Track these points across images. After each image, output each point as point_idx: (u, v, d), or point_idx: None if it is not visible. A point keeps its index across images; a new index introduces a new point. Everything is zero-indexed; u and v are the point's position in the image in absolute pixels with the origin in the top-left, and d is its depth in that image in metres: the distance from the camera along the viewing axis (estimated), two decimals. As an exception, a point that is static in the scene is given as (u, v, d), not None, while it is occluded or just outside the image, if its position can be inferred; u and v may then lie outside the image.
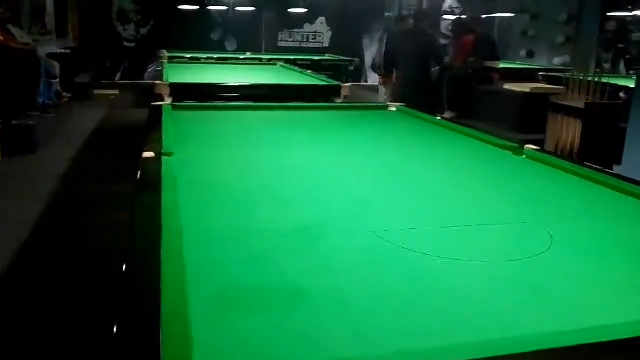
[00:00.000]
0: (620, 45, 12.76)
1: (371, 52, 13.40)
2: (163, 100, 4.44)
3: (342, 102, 4.75)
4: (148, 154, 2.34)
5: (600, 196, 2.15)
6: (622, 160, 4.39)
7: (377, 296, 1.24)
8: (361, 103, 4.39)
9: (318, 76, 6.29)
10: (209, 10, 12.60)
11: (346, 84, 5.68)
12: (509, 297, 1.26)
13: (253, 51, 10.79)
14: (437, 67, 6.50)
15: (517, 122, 5.47)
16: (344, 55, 10.57)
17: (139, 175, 2.07)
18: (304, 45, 13.67)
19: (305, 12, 12.76)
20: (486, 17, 9.89)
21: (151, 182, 1.96)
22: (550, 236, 1.64)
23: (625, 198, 2.09)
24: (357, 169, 2.52)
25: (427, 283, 1.32)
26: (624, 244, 1.65)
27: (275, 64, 8.30)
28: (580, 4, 12.77)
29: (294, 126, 3.60)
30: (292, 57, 8.99)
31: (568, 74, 5.71)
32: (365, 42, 13.85)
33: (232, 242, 1.52)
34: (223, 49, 12.11)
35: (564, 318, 1.16)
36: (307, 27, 13.79)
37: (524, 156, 2.77)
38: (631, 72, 12.34)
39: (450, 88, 6.57)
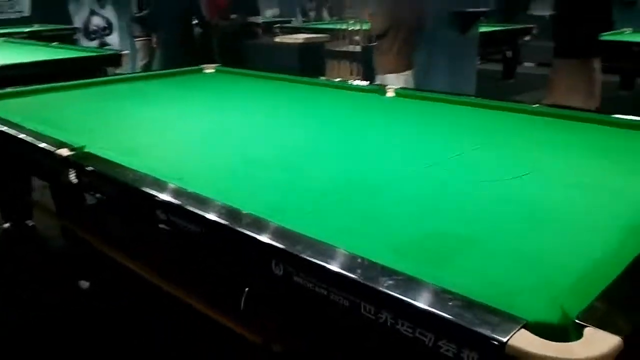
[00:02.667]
0: (321, -6, 14.14)
1: (82, 17, 12.26)
2: None
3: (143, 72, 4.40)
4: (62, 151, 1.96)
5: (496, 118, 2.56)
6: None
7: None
8: (175, 70, 4.13)
9: (78, 47, 5.64)
10: None
11: (125, 52, 5.27)
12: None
13: None
14: (199, 26, 6.40)
15: (296, 70, 5.79)
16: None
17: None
18: (-1, 16, 11.76)
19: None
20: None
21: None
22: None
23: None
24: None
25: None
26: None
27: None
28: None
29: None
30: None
31: (338, 25, 6.20)
32: (72, 7, 12.58)
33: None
34: None
35: None
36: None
37: (394, 95, 3.07)
38: (334, 17, 13.87)
39: (218, 45, 6.53)
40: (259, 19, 6.91)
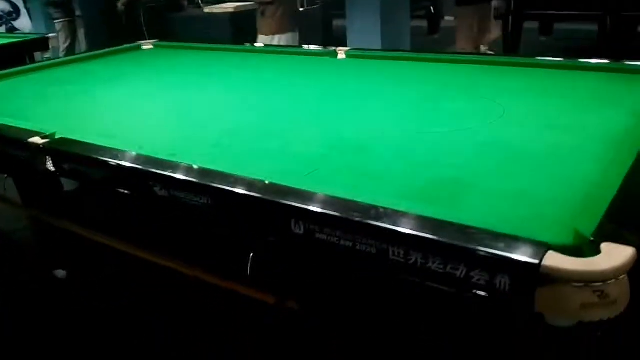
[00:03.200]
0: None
1: None
2: None
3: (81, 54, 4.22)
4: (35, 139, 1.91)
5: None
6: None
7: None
8: (112, 49, 3.99)
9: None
10: None
11: (51, 35, 5.05)
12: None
13: None
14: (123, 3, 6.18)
15: (227, 39, 5.73)
16: None
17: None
18: None
19: None
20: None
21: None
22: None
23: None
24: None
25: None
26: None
27: None
28: None
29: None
30: None
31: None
32: None
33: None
34: None
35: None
36: None
37: (345, 57, 3.13)
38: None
39: (144, 21, 6.31)
40: (182, -11, 6.74)
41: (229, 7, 5.84)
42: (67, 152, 1.80)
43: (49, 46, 4.97)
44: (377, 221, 1.17)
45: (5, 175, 2.54)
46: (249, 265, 1.55)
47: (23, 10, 10.58)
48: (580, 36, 7.68)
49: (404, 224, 1.15)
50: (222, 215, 1.49)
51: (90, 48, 5.61)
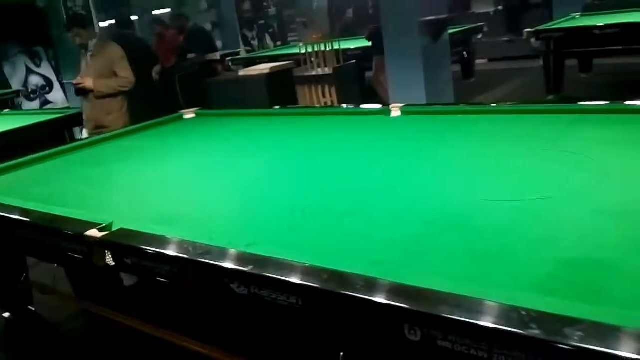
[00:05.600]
0: (261, 22, 14.08)
1: (19, 78, 11.76)
2: None
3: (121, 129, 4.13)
4: (92, 232, 1.75)
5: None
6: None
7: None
8: (152, 121, 3.90)
9: (36, 111, 5.34)
10: None
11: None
12: None
13: None
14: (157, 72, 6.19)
15: (264, 101, 5.66)
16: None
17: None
18: None
19: None
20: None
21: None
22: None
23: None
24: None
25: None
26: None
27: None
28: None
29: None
30: None
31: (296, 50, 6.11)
32: (8, 69, 12.06)
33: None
34: None
35: None
36: None
37: (399, 114, 2.96)
38: (278, 43, 13.82)
39: (181, 89, 6.32)
40: (217, 55, 6.73)
41: (265, 68, 5.80)
42: (129, 246, 1.64)
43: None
44: (528, 329, 0.96)
45: (55, 265, 2.39)
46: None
47: (56, 84, 10.83)
48: (619, 70, 7.47)
49: (555, 332, 0.93)
50: (313, 316, 1.30)
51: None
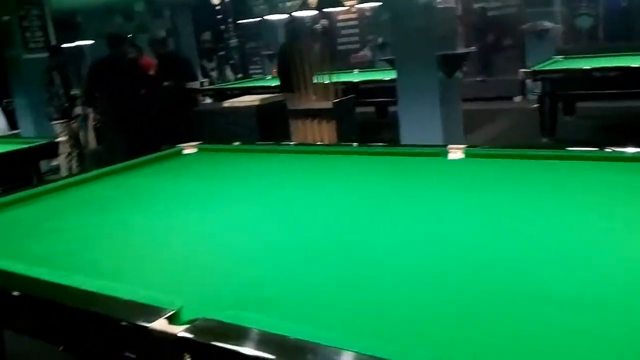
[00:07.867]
0: (221, 53, 13.55)
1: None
2: None
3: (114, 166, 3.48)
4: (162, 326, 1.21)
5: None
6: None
7: None
8: (149, 156, 3.33)
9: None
10: None
11: (60, 139, 4.40)
12: None
13: None
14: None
15: (252, 134, 5.18)
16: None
17: None
18: None
19: None
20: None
21: None
22: None
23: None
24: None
25: None
26: None
27: None
28: (172, 21, 13.03)
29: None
30: None
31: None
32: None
33: None
34: None
35: None
36: None
37: (464, 156, 2.55)
38: (239, 75, 13.30)
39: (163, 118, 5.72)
40: (197, 84, 6.17)
41: (254, 99, 5.31)
42: (229, 350, 1.11)
43: (57, 152, 4.31)
44: None
45: None
46: None
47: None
48: (599, 114, 7.45)
49: None
50: None
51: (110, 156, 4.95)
